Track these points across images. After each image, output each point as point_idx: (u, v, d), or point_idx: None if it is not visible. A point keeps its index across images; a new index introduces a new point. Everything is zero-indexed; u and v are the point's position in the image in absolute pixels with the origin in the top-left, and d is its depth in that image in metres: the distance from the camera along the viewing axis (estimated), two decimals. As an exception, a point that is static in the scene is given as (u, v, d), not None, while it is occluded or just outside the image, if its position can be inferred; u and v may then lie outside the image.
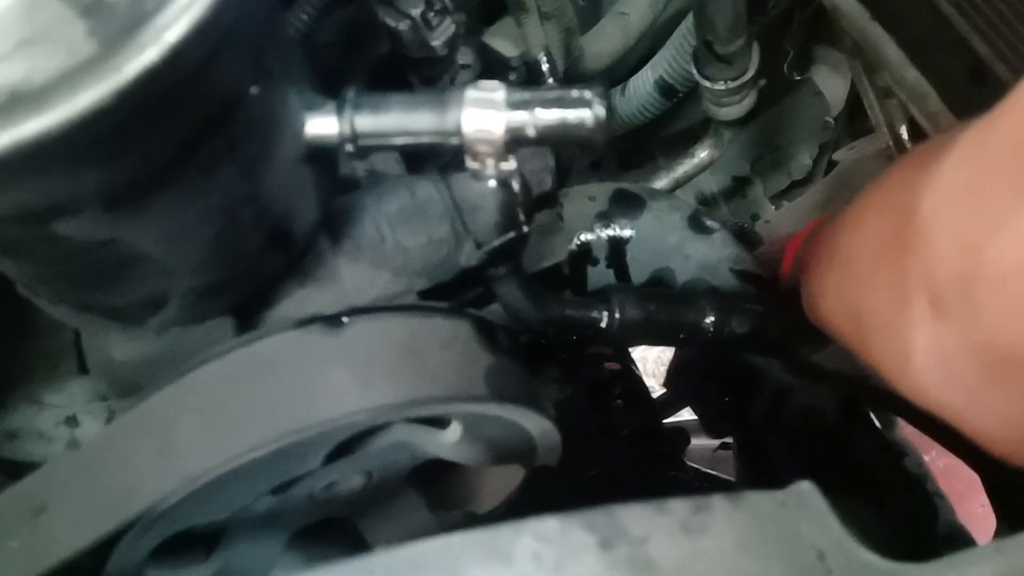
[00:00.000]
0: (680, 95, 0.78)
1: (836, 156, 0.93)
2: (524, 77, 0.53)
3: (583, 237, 0.64)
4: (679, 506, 0.29)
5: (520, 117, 0.34)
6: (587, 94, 0.35)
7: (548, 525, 0.28)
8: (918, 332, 0.31)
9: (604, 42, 0.73)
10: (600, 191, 0.65)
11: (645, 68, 0.79)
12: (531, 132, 0.34)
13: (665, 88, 0.78)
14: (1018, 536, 0.28)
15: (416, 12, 0.49)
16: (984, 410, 0.29)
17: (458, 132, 0.35)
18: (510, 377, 0.43)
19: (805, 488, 0.31)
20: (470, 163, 0.36)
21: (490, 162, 0.36)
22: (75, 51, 0.27)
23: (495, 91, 0.35)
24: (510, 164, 0.36)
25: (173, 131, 0.30)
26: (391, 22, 0.49)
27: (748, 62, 0.64)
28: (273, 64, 0.34)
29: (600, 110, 0.34)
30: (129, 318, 0.38)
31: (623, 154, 0.99)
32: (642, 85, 0.80)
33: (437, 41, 0.48)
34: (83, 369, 0.47)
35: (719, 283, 0.63)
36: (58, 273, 0.35)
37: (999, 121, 0.29)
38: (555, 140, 0.35)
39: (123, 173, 0.30)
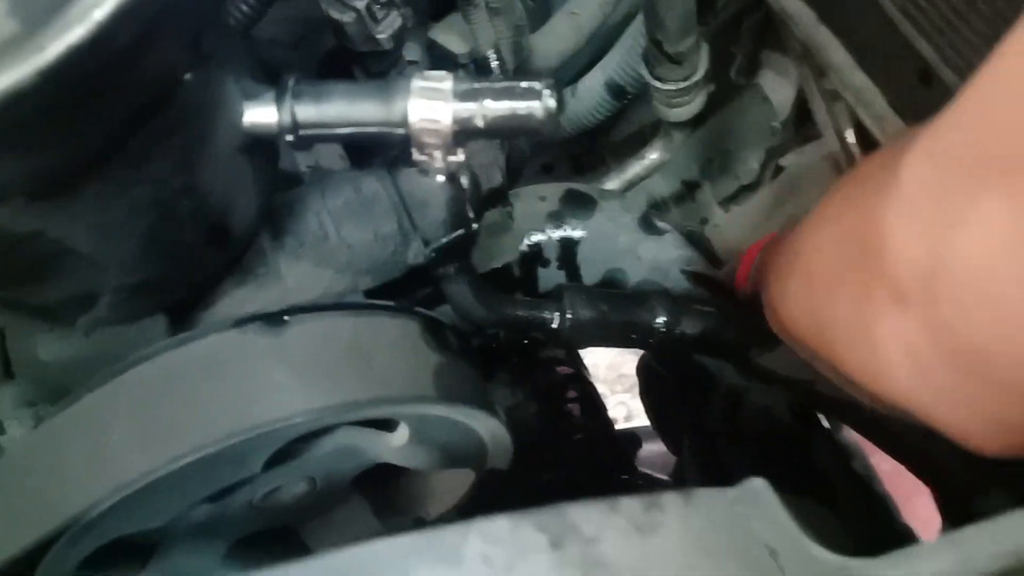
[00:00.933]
0: (630, 96, 0.78)
1: (783, 161, 0.94)
2: (473, 74, 0.52)
3: (534, 238, 0.63)
4: (631, 504, 0.29)
5: (468, 108, 0.33)
6: (537, 85, 0.34)
7: (498, 525, 0.28)
8: (885, 331, 0.31)
9: (554, 41, 0.73)
10: (550, 191, 0.65)
11: (595, 69, 0.79)
12: (479, 123, 0.33)
13: (615, 89, 0.78)
14: (966, 529, 0.28)
15: (361, 5, 0.47)
16: (953, 403, 0.29)
17: (404, 122, 0.33)
18: (460, 378, 0.42)
19: (757, 485, 0.31)
20: (417, 156, 0.35)
21: (438, 155, 0.35)
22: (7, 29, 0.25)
23: (442, 81, 0.34)
24: (458, 157, 0.36)
25: (102, 117, 0.29)
26: (335, 15, 0.48)
27: (698, 62, 0.64)
28: (210, 49, 0.32)
29: (550, 101, 0.33)
30: (57, 317, 0.36)
31: (575, 158, 0.99)
32: (592, 86, 0.79)
33: (383, 35, 0.47)
34: (8, 373, 0.45)
35: (671, 285, 0.63)
36: None
37: (952, 120, 0.29)
38: (505, 132, 0.34)
39: (48, 161, 0.28)
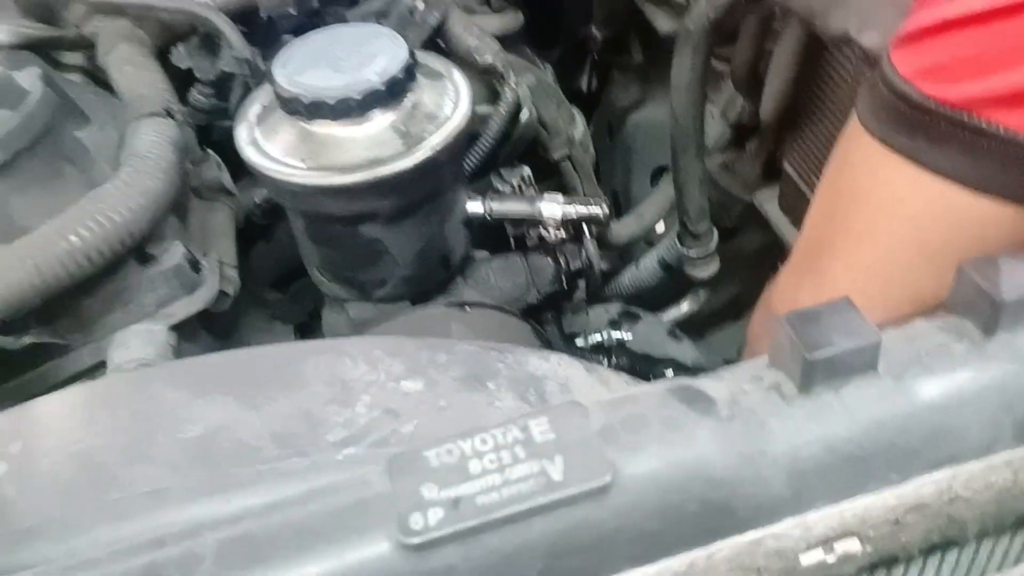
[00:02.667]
0: (674, 270, 1.18)
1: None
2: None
3: (601, 335, 1.01)
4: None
5: (571, 209, 0.73)
6: (603, 206, 0.74)
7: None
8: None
9: (624, 228, 1.14)
10: (613, 307, 1.03)
11: (651, 251, 1.19)
12: (573, 215, 0.73)
13: (664, 265, 1.17)
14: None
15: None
16: None
17: (540, 213, 0.74)
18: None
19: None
20: (543, 232, 0.75)
21: (551, 233, 0.75)
22: (395, 146, 0.67)
23: (559, 198, 0.74)
24: (560, 235, 0.75)
25: (420, 189, 0.69)
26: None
27: (711, 239, 1.04)
28: (459, 172, 0.74)
29: (606, 210, 0.73)
30: (364, 291, 0.76)
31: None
32: (649, 263, 1.20)
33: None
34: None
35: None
36: (341, 256, 0.73)
37: (806, 221, 0.64)
38: (586, 221, 0.73)
39: (398, 205, 0.69)
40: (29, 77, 0.63)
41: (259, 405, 0.50)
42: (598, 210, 0.74)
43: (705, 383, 0.41)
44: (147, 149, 0.65)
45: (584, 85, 1.49)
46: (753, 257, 1.18)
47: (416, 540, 0.33)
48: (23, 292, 0.59)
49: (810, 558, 0.37)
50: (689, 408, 0.39)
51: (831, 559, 0.37)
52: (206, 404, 0.50)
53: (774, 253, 1.06)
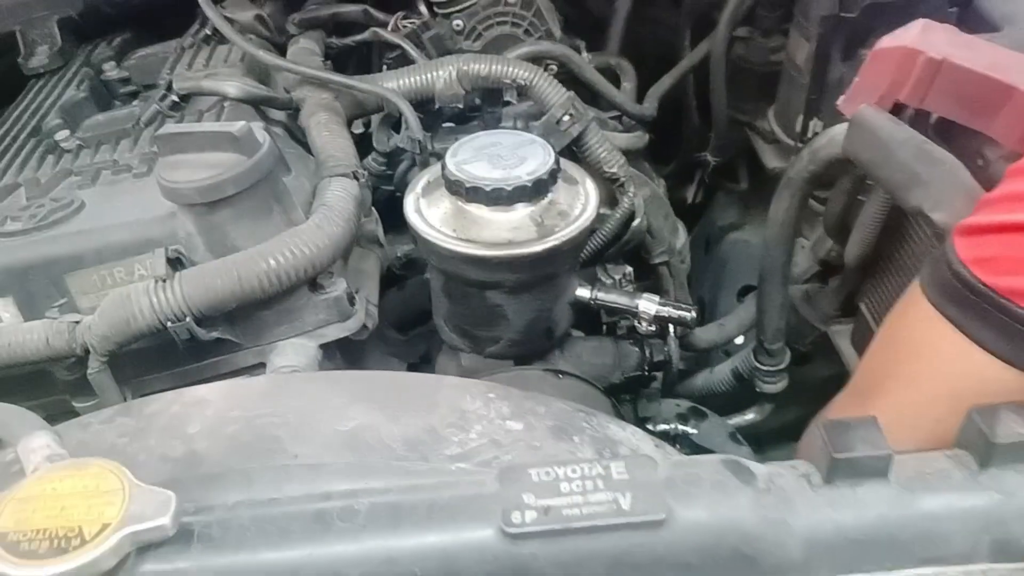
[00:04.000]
0: (745, 382, 1.28)
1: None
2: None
3: (669, 424, 1.11)
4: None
5: (664, 309, 0.86)
6: (692, 312, 0.87)
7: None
8: None
9: (706, 334, 1.26)
10: (684, 403, 1.14)
11: (728, 361, 1.30)
12: (666, 315, 0.86)
13: (737, 375, 1.28)
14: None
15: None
16: None
17: (637, 308, 0.87)
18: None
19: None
20: (637, 324, 0.88)
21: (643, 325, 0.87)
22: (530, 233, 0.81)
23: (655, 299, 0.87)
24: (650, 330, 0.88)
25: (542, 270, 0.83)
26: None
27: (784, 358, 1.14)
28: (576, 261, 0.88)
29: (694, 316, 0.85)
30: (477, 345, 0.90)
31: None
32: (723, 370, 1.30)
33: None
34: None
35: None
36: (467, 313, 0.88)
37: (860, 366, 0.74)
38: (675, 322, 0.86)
39: (523, 280, 0.83)
40: (259, 131, 0.81)
41: (398, 417, 0.63)
42: (687, 315, 0.86)
43: (750, 463, 0.52)
44: (335, 201, 0.82)
45: (690, 198, 1.63)
46: (820, 384, 1.27)
47: (514, 531, 0.44)
48: (225, 297, 0.75)
49: (809, 613, 0.47)
50: (735, 477, 0.50)
51: (825, 618, 0.47)
52: (359, 408, 0.63)
53: (840, 384, 1.15)
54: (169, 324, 0.75)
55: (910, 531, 0.49)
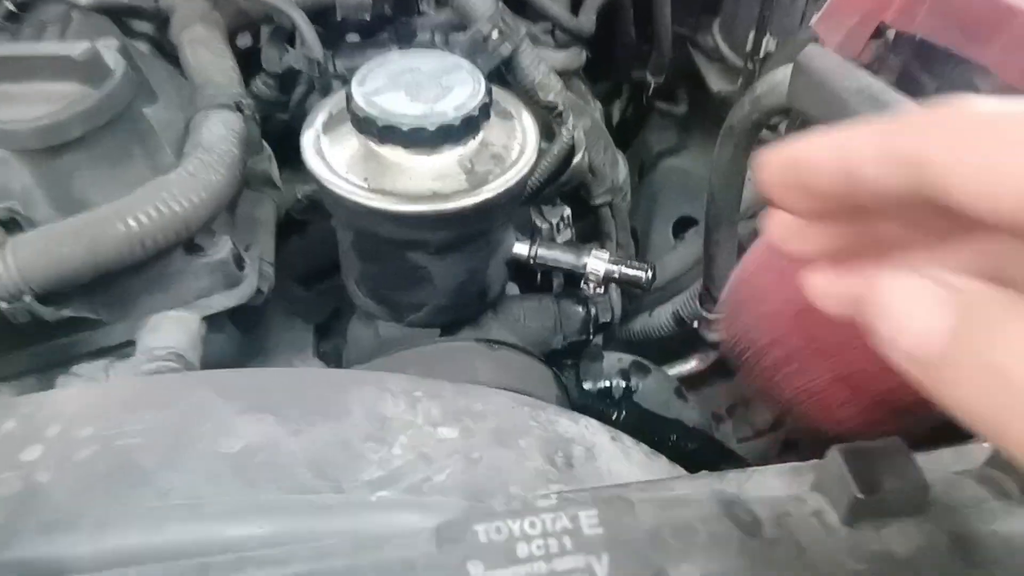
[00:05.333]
0: (687, 325, 1.19)
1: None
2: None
3: (610, 381, 1.02)
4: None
5: (613, 267, 0.74)
6: (647, 272, 0.75)
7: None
8: None
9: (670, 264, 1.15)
10: (626, 358, 1.04)
11: (666, 304, 1.21)
12: (616, 276, 0.74)
13: (678, 319, 1.18)
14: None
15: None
16: None
17: (584, 267, 0.74)
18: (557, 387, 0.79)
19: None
20: (583, 286, 0.76)
21: (590, 288, 0.76)
22: (459, 182, 0.67)
23: (605, 256, 0.75)
24: (598, 291, 0.76)
25: (474, 226, 0.70)
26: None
27: (730, 306, 1.05)
28: (512, 213, 0.74)
29: (651, 275, 0.74)
30: (396, 312, 0.76)
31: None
32: (663, 314, 1.21)
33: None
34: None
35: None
36: (383, 276, 0.74)
37: None
38: (628, 283, 0.74)
39: (450, 238, 0.69)
40: (110, 53, 0.63)
41: (300, 430, 0.50)
42: (642, 275, 0.75)
43: (752, 498, 0.42)
44: (214, 143, 0.65)
45: (616, 115, 1.51)
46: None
47: (460, 627, 0.34)
48: (75, 267, 0.59)
49: None
50: (735, 526, 0.40)
51: None
52: (249, 420, 0.50)
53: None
54: (2, 305, 0.58)
55: (947, 578, 0.40)
